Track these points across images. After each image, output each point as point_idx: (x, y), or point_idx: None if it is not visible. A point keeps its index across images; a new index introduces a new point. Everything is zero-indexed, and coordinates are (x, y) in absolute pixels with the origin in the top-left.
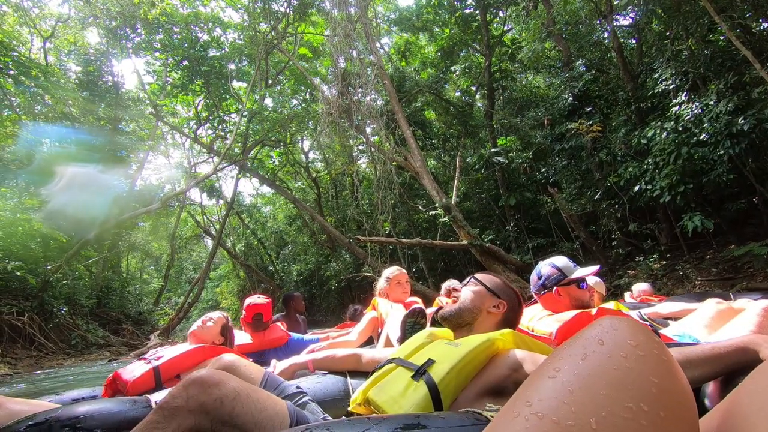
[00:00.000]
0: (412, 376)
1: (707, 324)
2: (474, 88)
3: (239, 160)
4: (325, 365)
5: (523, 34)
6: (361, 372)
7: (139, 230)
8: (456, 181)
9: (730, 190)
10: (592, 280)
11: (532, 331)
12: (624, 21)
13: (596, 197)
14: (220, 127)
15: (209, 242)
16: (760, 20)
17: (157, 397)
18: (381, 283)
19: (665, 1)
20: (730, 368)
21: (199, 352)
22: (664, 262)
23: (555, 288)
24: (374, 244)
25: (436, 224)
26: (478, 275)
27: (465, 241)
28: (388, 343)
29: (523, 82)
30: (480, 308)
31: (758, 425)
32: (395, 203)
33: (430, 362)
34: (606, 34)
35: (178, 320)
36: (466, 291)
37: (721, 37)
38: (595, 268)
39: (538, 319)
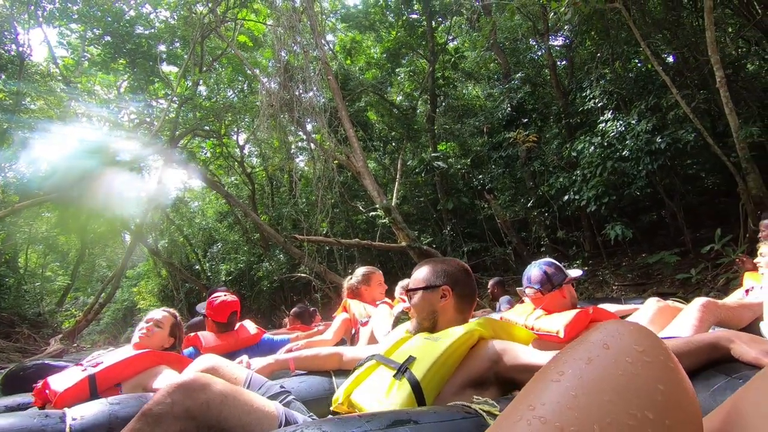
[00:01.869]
0: (394, 375)
1: (651, 321)
2: (417, 93)
3: (167, 148)
4: (306, 364)
5: (466, 44)
6: (345, 371)
7: (42, 221)
8: (397, 183)
9: (644, 203)
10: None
11: (533, 329)
12: (556, 42)
13: (528, 205)
14: (145, 111)
15: (128, 237)
16: (669, 54)
17: (74, 413)
18: (356, 283)
19: (597, 24)
20: (701, 363)
21: (144, 358)
22: (586, 268)
23: (562, 286)
24: (311, 244)
25: (374, 226)
26: (409, 286)
27: (404, 243)
28: (372, 341)
29: (464, 91)
30: (432, 308)
31: (761, 429)
32: (335, 202)
33: (411, 359)
34: (540, 52)
35: (86, 322)
36: (413, 302)
37: (638, 63)
38: (580, 271)
39: (535, 318)
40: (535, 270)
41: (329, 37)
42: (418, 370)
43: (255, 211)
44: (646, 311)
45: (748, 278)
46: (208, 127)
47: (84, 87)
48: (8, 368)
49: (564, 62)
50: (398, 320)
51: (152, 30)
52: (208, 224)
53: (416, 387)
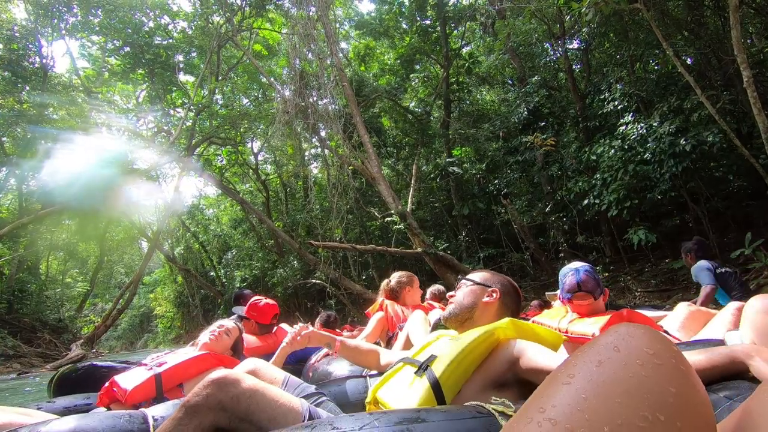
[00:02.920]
0: (415, 372)
1: (682, 326)
2: (431, 99)
3: (184, 156)
4: (349, 353)
5: (480, 49)
6: (380, 373)
7: (63, 228)
8: (412, 188)
9: (666, 207)
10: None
11: (567, 332)
12: (572, 45)
13: (547, 209)
14: (163, 120)
15: (144, 244)
16: (690, 55)
17: (153, 413)
18: (398, 284)
19: (616, 26)
20: (715, 378)
21: (205, 359)
22: (607, 274)
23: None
24: (325, 251)
25: (388, 232)
26: (467, 275)
27: (419, 249)
28: (407, 346)
29: (477, 96)
30: (475, 301)
31: None
32: (351, 208)
33: (432, 357)
34: (556, 56)
35: (105, 328)
36: (460, 292)
37: (656, 66)
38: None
39: (569, 321)
40: (582, 275)
41: (343, 44)
42: (437, 368)
43: (269, 217)
44: (677, 316)
45: None
46: (223, 135)
47: (104, 97)
48: (58, 371)
49: (579, 66)
50: (436, 327)
51: (170, 40)
52: (223, 231)
53: (435, 385)
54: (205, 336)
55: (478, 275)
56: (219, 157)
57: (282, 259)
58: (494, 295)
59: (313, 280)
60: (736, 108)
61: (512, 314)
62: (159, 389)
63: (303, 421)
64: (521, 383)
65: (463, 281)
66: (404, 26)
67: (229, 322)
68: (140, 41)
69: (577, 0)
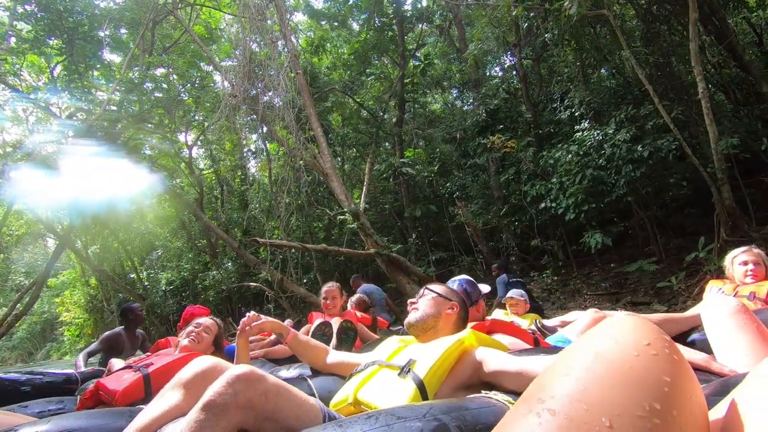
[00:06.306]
0: (398, 374)
1: (581, 331)
2: (387, 96)
3: (105, 143)
4: (299, 346)
5: (437, 50)
6: (322, 374)
7: None
8: (365, 187)
9: (609, 215)
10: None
11: None
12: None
13: (502, 213)
14: (82, 101)
15: (51, 242)
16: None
17: None
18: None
19: (577, 34)
20: None
21: (193, 358)
22: (556, 278)
23: (478, 302)
24: (265, 251)
25: (332, 234)
26: (429, 286)
27: (372, 250)
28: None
29: (429, 99)
30: (439, 312)
31: (760, 416)
32: (301, 204)
33: (411, 361)
34: (509, 62)
35: None
36: (423, 300)
37: (607, 74)
38: (488, 287)
39: None
40: (454, 285)
41: (292, 38)
42: (420, 370)
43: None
44: (582, 322)
45: (712, 285)
46: (156, 121)
47: (8, 67)
48: None
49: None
50: (343, 331)
51: (97, 11)
52: (147, 229)
53: (420, 385)
54: (184, 340)
55: (441, 288)
56: (145, 147)
57: (215, 261)
58: (455, 308)
59: (252, 284)
60: (688, 118)
61: (464, 324)
62: (148, 390)
63: (324, 421)
64: (484, 386)
65: (426, 291)
66: (362, 17)
67: (206, 320)
68: (58, 4)
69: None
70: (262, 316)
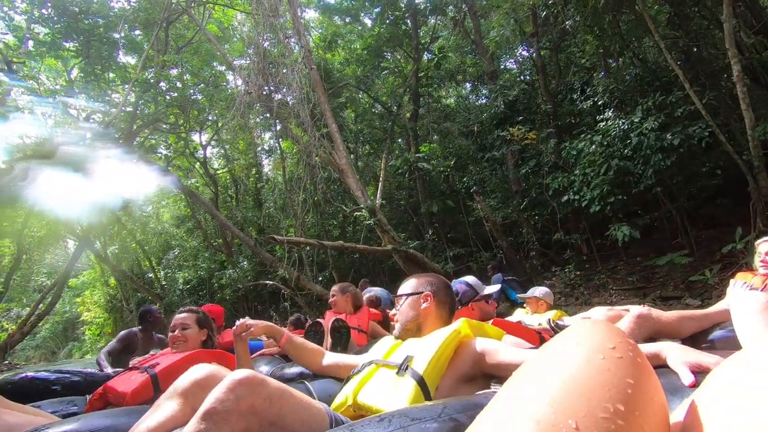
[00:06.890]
0: (397, 373)
1: None
2: (402, 90)
3: (121, 144)
4: (294, 349)
5: (451, 43)
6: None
7: None
8: (381, 183)
9: (633, 207)
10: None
11: None
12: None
13: (522, 206)
14: (99, 102)
15: (71, 243)
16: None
17: None
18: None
19: (600, 21)
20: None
21: (197, 357)
22: (579, 272)
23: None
24: (281, 249)
25: (346, 232)
26: (399, 290)
27: (389, 247)
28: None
29: (443, 93)
30: (416, 311)
31: (718, 413)
32: (317, 200)
33: (409, 358)
34: (527, 53)
35: (21, 336)
36: (400, 309)
37: (634, 62)
38: (492, 288)
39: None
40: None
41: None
42: (418, 366)
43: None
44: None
45: (738, 278)
46: (172, 120)
47: (27, 70)
48: None
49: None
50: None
51: (112, 13)
52: (164, 229)
53: (421, 382)
54: (173, 348)
55: (408, 285)
56: (162, 150)
57: (231, 260)
58: (428, 299)
59: (268, 282)
60: (720, 104)
61: (449, 306)
62: (156, 388)
63: (331, 425)
64: (486, 377)
65: (398, 298)
66: (375, 11)
67: (179, 317)
68: (75, 4)
69: None
70: (252, 321)
